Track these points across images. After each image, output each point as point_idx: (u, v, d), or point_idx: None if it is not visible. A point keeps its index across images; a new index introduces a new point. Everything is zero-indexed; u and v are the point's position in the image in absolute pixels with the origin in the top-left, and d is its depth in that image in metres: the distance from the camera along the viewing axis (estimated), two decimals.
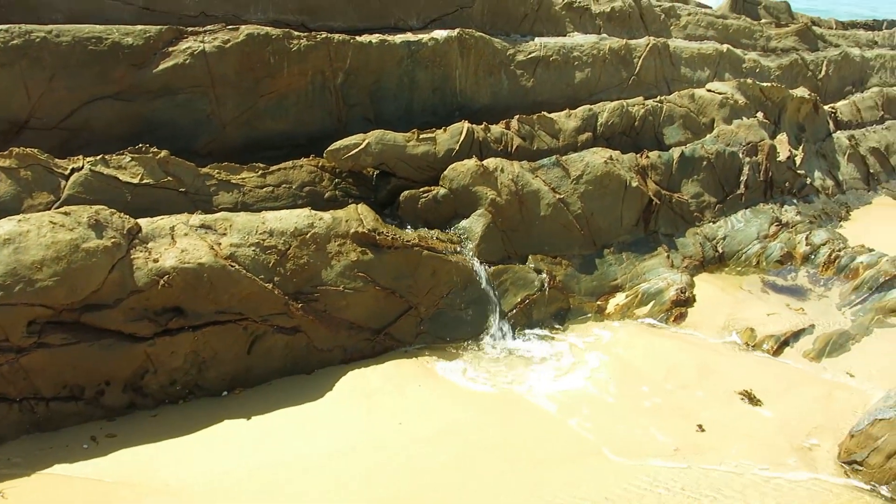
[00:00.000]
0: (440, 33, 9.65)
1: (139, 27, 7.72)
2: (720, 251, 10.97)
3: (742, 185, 11.73)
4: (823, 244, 11.20)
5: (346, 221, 7.78)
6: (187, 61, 7.83)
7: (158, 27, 7.79)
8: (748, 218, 11.52)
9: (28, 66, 7.21)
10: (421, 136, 8.77)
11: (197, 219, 6.99)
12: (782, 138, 12.84)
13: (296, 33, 8.46)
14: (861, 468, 6.68)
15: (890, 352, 8.85)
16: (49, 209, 6.63)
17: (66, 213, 6.26)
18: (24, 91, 7.24)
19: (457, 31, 9.76)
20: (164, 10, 8.11)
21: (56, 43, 7.29)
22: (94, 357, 6.37)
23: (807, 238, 11.32)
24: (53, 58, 7.29)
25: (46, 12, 7.62)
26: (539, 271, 9.04)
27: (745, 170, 11.79)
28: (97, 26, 7.51)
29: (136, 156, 7.22)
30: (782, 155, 12.48)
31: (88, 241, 6.22)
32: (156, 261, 6.53)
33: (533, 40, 10.89)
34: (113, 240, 6.36)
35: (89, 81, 7.47)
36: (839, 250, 11.02)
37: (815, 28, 17.03)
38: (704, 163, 11.28)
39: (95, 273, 6.23)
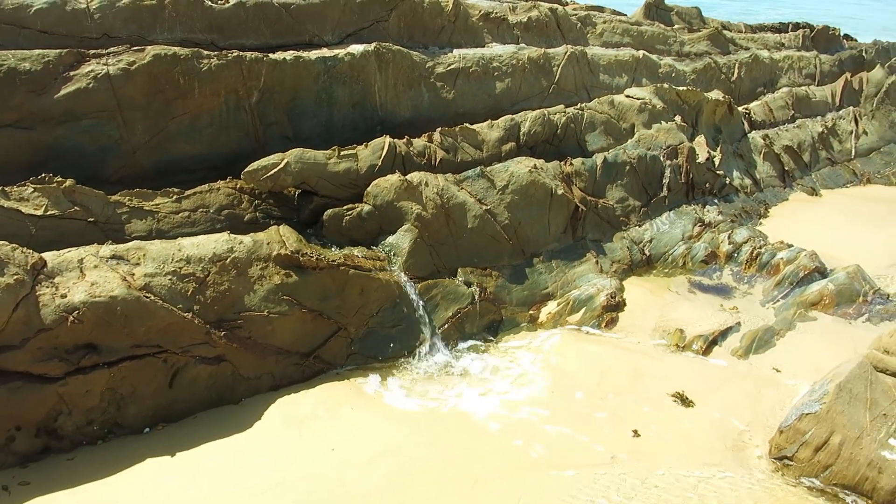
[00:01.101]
0: (356, 48, 9.52)
1: (37, 51, 7.36)
2: (647, 254, 11.10)
3: (665, 188, 11.91)
4: (745, 242, 11.45)
5: (268, 244, 7.54)
6: (90, 85, 7.50)
7: (58, 51, 7.44)
8: (672, 220, 11.70)
9: None
10: (342, 153, 8.60)
11: (107, 249, 6.65)
12: (700, 140, 13.12)
13: (206, 52, 8.21)
14: (792, 463, 6.78)
15: (812, 345, 9.07)
16: None
17: None
18: None
19: (373, 45, 9.64)
20: (64, 32, 7.75)
21: None
22: (1, 402, 5.97)
23: (729, 237, 11.56)
24: None
25: None
26: (469, 284, 8.95)
27: (667, 172, 11.99)
28: None
29: (39, 186, 6.84)
30: (701, 157, 12.74)
31: None
32: (64, 296, 6.18)
33: (452, 52, 10.87)
34: (15, 276, 5.98)
35: None
36: (760, 247, 11.28)
37: (725, 32, 17.54)
38: (627, 167, 11.42)
39: None
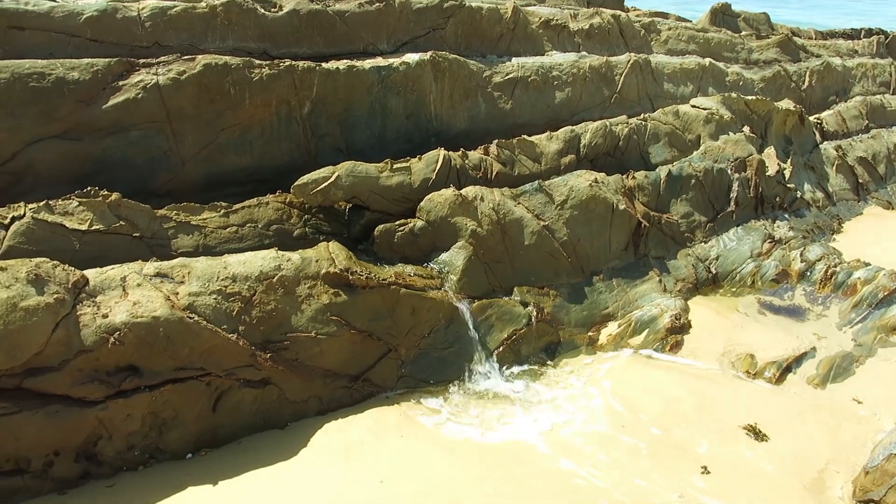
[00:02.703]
0: (412, 57, 9.19)
1: (86, 61, 7.19)
2: (713, 272, 10.51)
3: (732, 203, 11.31)
4: (818, 260, 10.78)
5: (317, 261, 7.23)
6: (140, 95, 7.30)
7: (107, 60, 7.26)
8: (740, 236, 11.09)
9: None
10: (395, 166, 8.26)
11: (151, 267, 6.41)
12: (770, 152, 12.45)
13: (257, 62, 7.96)
14: None
15: None
16: None
17: (1, 269, 5.66)
18: None
19: (429, 53, 9.30)
20: (114, 41, 7.58)
21: None
22: (39, 425, 5.76)
23: (801, 254, 10.90)
24: None
25: None
26: (526, 304, 8.52)
27: (735, 186, 11.38)
28: (39, 61, 6.97)
29: (84, 200, 6.64)
30: (771, 169, 12.09)
31: (28, 299, 5.63)
32: (105, 316, 5.94)
33: (510, 61, 10.46)
34: (56, 295, 5.77)
35: (32, 121, 6.92)
36: (835, 266, 10.60)
37: (795, 39, 16.77)
38: (693, 181, 10.85)
39: (36, 333, 5.64)
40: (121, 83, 7.27)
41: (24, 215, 6.37)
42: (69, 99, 7.04)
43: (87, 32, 7.45)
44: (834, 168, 14.40)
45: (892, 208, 14.78)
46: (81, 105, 7.11)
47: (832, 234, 12.76)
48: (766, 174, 11.91)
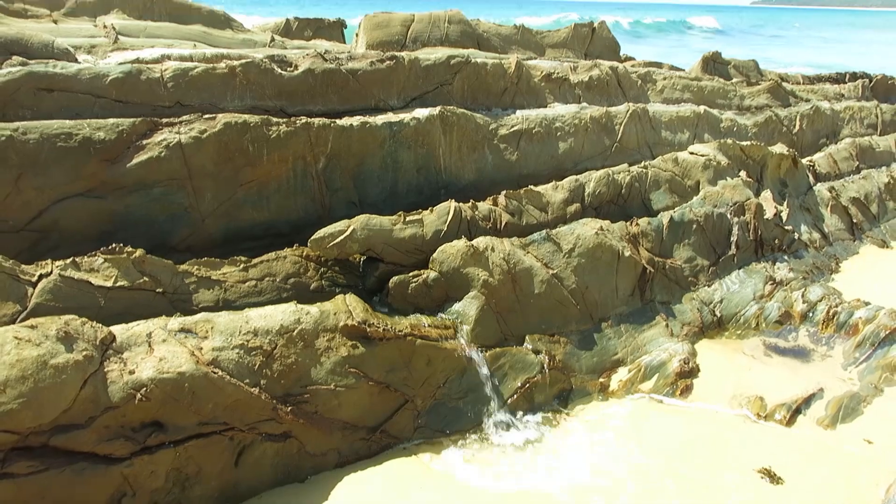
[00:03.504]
0: (421, 112, 9.43)
1: (111, 120, 7.38)
2: (718, 315, 10.66)
3: (733, 246, 11.51)
4: (820, 300, 10.94)
5: (335, 314, 7.34)
6: (162, 154, 7.48)
7: (131, 119, 7.45)
8: (742, 279, 11.27)
9: None
10: (408, 219, 8.43)
11: (176, 322, 6.51)
12: (767, 195, 12.72)
13: (275, 119, 8.17)
14: None
15: None
16: (15, 321, 6.14)
17: (32, 327, 5.76)
18: None
19: (438, 108, 9.55)
20: (138, 101, 7.79)
21: (23, 141, 6.92)
22: (64, 484, 5.78)
23: (803, 295, 11.06)
24: (20, 156, 6.92)
25: (12, 109, 7.28)
26: (538, 352, 8.62)
27: (735, 230, 11.60)
28: (66, 121, 7.15)
29: (110, 257, 6.75)
30: (769, 212, 12.33)
31: (57, 357, 5.71)
32: (132, 372, 6.02)
33: (514, 113, 10.73)
34: (84, 353, 5.86)
35: (59, 179, 7.08)
36: (836, 306, 10.76)
37: (784, 84, 17.22)
38: (694, 226, 11.07)
39: (65, 391, 5.70)
40: (144, 142, 7.45)
41: (52, 273, 6.47)
42: (95, 158, 7.20)
43: (113, 93, 7.66)
44: (828, 209, 14.67)
45: (887, 247, 15.03)
46: (106, 164, 7.27)
47: (831, 274, 12.95)
48: (765, 217, 12.16)
